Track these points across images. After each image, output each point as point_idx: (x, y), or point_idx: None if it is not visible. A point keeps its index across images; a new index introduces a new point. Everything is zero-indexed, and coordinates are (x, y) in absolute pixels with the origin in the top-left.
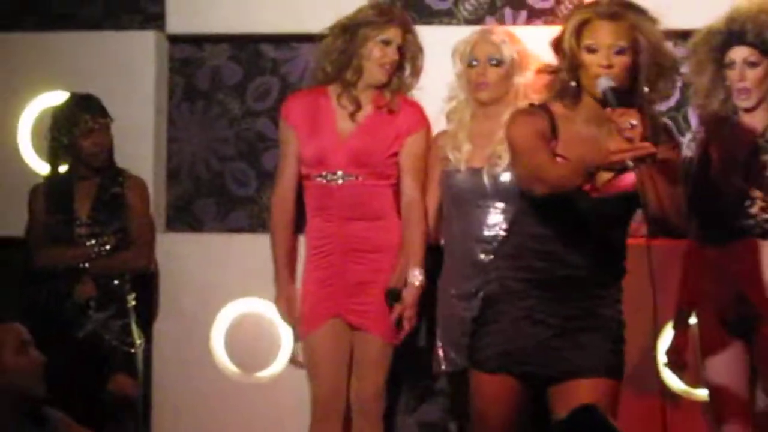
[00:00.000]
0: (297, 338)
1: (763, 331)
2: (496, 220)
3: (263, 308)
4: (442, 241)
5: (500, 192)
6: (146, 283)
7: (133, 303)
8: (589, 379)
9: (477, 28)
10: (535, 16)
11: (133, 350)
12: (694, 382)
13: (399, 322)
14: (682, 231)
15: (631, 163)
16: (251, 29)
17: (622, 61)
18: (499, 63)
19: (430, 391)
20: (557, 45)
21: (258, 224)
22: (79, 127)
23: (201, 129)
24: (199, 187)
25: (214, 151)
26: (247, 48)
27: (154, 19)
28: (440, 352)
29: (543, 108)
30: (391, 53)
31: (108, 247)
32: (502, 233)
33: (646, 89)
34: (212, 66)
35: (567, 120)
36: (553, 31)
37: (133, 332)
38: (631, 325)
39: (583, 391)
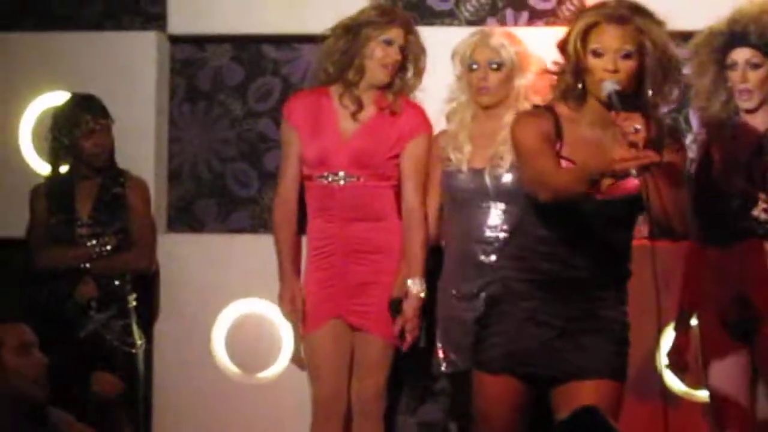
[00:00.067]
0: (298, 338)
1: (765, 332)
2: (497, 221)
3: (264, 309)
4: (443, 242)
5: (501, 193)
6: (147, 284)
7: (134, 303)
8: (592, 381)
9: (478, 29)
10: (536, 17)
11: (134, 351)
12: (695, 384)
13: (402, 334)
14: (684, 234)
15: (635, 172)
16: (253, 30)
17: (628, 66)
18: (499, 67)
19: (430, 392)
20: (563, 47)
21: (259, 225)
22: (80, 127)
23: (202, 129)
24: (200, 188)
25: (216, 152)
26: (249, 48)
27: (156, 19)
28: (440, 354)
29: (548, 109)
30: (393, 53)
31: (109, 247)
32: (503, 234)
33: (650, 92)
34: (214, 67)
35: (572, 122)
36: (555, 32)
37: (134, 333)
38: (635, 326)
39: (585, 393)
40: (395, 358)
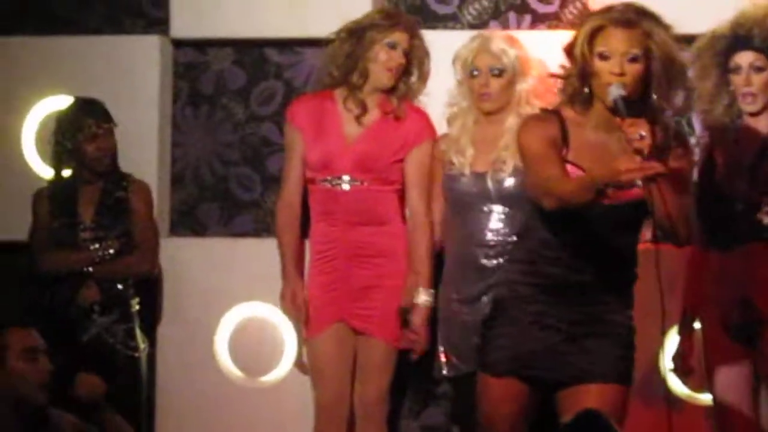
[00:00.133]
0: (301, 341)
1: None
2: (498, 225)
3: (267, 312)
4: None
5: (504, 197)
6: (150, 288)
7: (137, 307)
8: (597, 385)
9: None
10: (539, 20)
11: (136, 354)
12: (699, 387)
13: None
14: (688, 240)
15: (640, 183)
16: (255, 33)
17: (634, 69)
18: (500, 73)
19: (433, 395)
20: (570, 51)
21: (262, 229)
22: (83, 131)
23: (205, 133)
24: (203, 192)
25: (219, 156)
26: (252, 52)
27: (158, 23)
28: (442, 357)
29: (554, 113)
30: (397, 57)
31: (112, 251)
32: (504, 238)
33: (656, 97)
34: (216, 70)
35: (578, 126)
36: (557, 35)
37: (137, 336)
38: (639, 329)
39: (590, 397)
40: (398, 361)
